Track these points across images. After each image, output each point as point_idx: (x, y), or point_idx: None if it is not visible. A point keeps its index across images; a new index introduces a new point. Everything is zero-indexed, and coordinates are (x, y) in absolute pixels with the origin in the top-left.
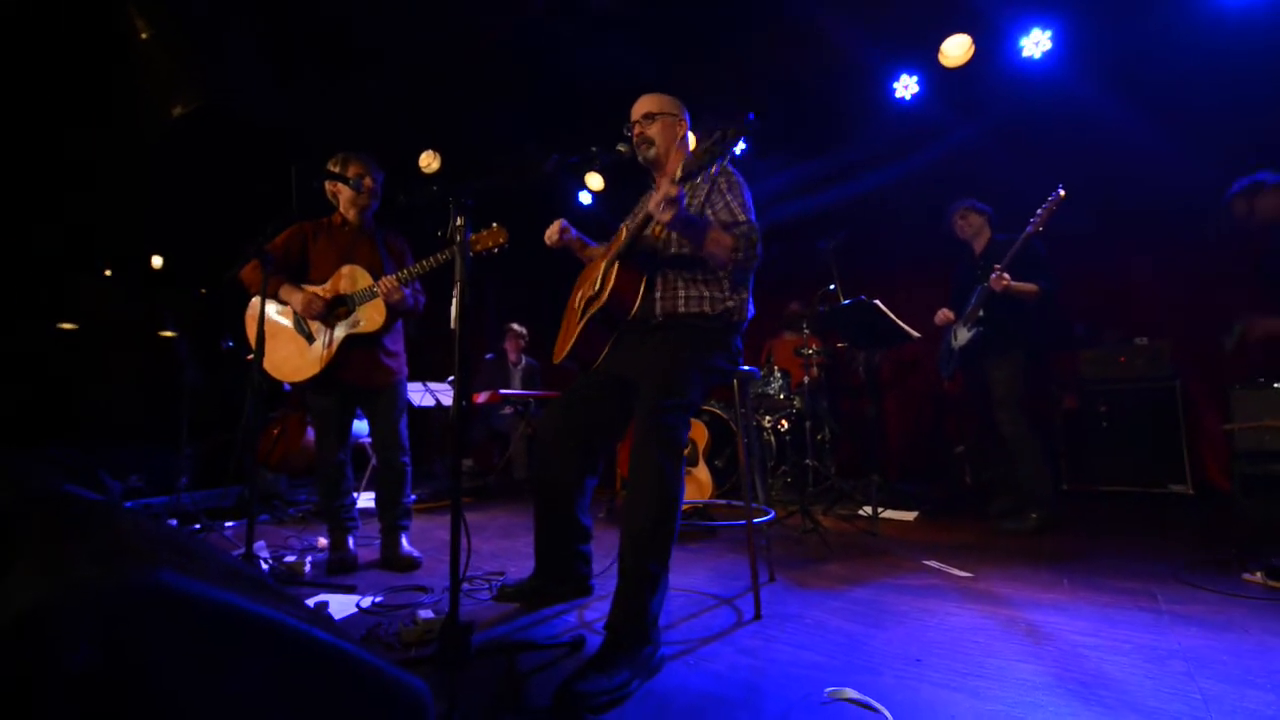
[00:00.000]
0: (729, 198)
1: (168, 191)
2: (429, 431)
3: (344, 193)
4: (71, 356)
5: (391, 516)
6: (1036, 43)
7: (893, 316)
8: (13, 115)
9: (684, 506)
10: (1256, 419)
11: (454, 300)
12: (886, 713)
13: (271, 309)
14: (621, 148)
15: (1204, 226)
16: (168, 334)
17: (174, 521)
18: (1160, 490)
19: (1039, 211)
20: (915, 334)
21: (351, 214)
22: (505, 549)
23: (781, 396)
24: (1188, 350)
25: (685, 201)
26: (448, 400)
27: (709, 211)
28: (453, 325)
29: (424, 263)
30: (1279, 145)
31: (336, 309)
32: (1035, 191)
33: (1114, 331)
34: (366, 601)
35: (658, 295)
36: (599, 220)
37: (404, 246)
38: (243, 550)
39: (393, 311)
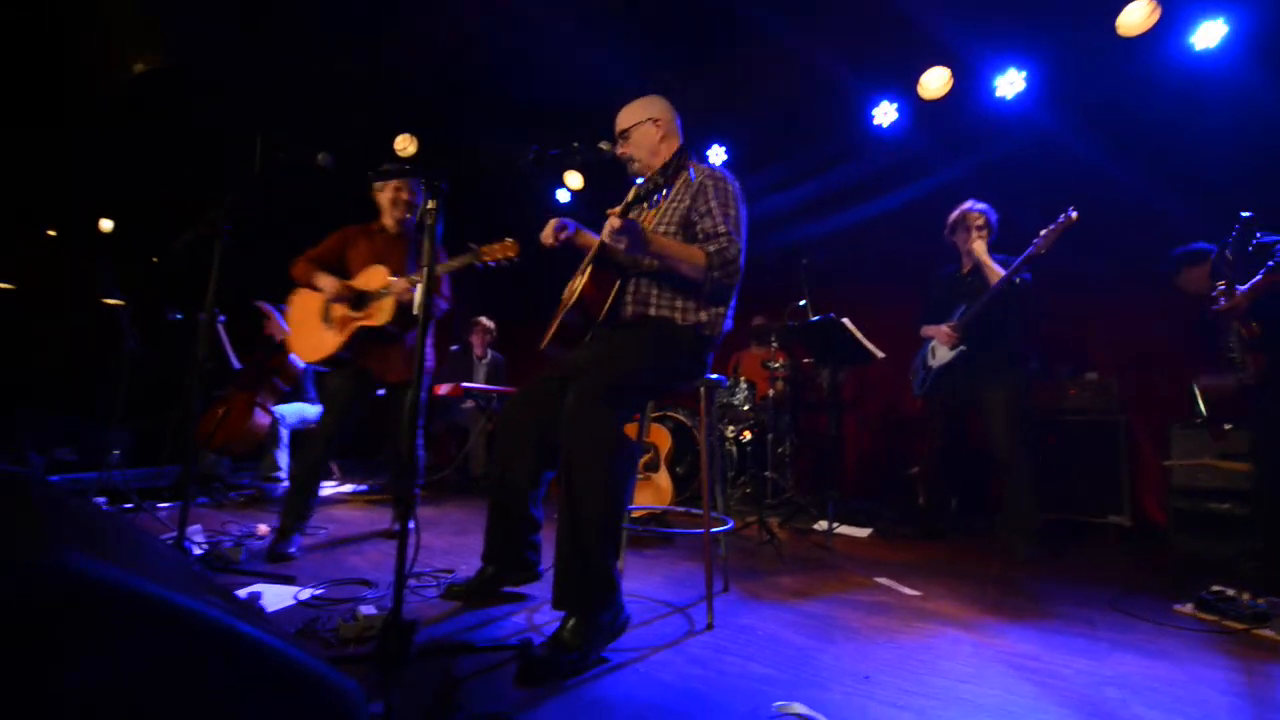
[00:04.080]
0: (713, 204)
1: (124, 153)
2: (387, 421)
3: (382, 202)
4: (4, 319)
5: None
6: (1011, 83)
7: (859, 335)
8: None
9: (642, 513)
10: (1194, 457)
11: (419, 287)
12: None
13: (306, 295)
14: (604, 145)
15: (1164, 273)
16: (111, 301)
17: (103, 500)
18: (1100, 520)
19: (1043, 233)
20: (880, 354)
21: (389, 222)
22: (457, 545)
23: (746, 408)
24: (1134, 388)
25: (639, 226)
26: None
27: (693, 218)
28: (415, 312)
29: (436, 268)
30: (1247, 189)
31: (357, 302)
32: (1006, 223)
33: (1066, 366)
34: (305, 594)
35: (628, 299)
36: (577, 219)
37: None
38: (175, 534)
39: (403, 309)
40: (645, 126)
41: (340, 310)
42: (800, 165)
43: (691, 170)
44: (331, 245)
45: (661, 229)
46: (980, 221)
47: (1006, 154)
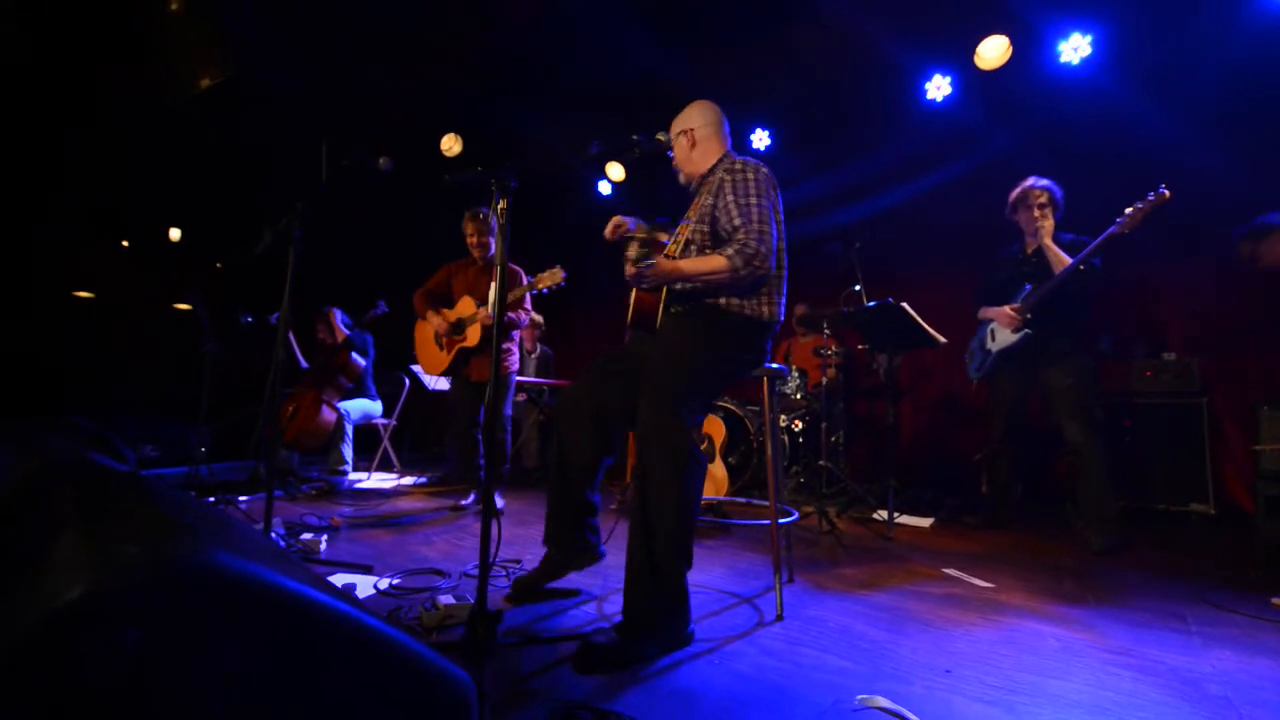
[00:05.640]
0: (729, 199)
1: (188, 163)
2: (446, 415)
3: (468, 239)
4: (85, 326)
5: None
6: (1075, 48)
7: (920, 320)
8: (34, 89)
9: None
10: None
11: (493, 287)
12: None
13: (424, 324)
14: (661, 136)
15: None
16: (184, 306)
17: (191, 494)
18: (1181, 509)
19: (1128, 211)
20: (942, 339)
21: (475, 254)
22: (519, 536)
23: (798, 396)
24: (1216, 367)
25: (652, 269)
26: None
27: (716, 214)
28: (489, 309)
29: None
30: None
31: (456, 328)
32: (1070, 198)
33: (1142, 345)
34: (384, 583)
35: (676, 302)
36: (620, 211)
37: (517, 273)
38: (260, 526)
39: (488, 331)
40: (680, 139)
41: (447, 336)
42: (848, 145)
43: (719, 168)
44: (439, 278)
45: (692, 226)
46: (1044, 199)
47: (1070, 125)
